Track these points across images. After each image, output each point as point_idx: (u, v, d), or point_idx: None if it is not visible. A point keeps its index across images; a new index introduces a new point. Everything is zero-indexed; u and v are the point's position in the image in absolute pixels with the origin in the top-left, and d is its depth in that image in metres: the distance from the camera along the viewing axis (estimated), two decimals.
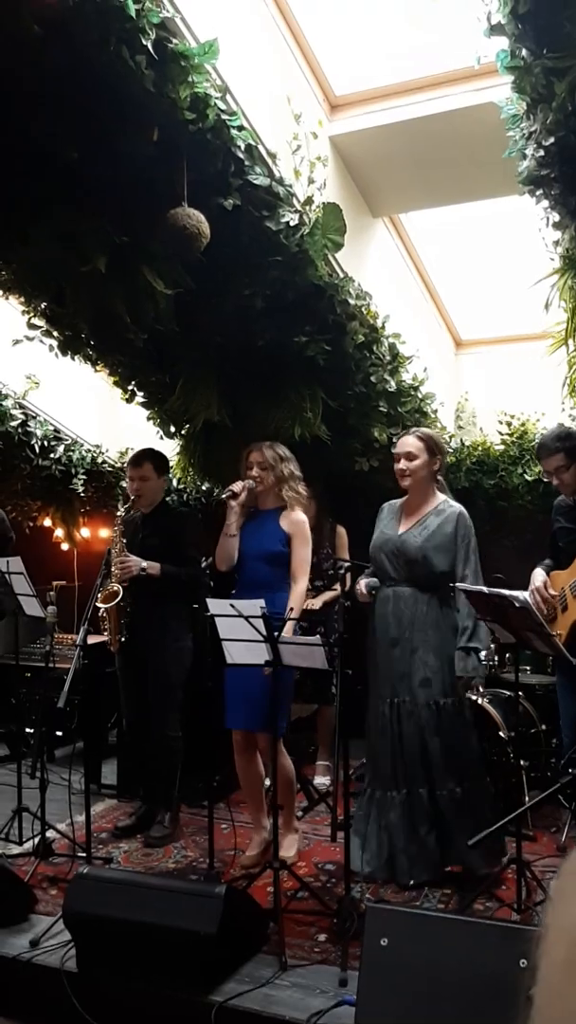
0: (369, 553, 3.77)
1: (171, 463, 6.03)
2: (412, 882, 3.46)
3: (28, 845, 3.93)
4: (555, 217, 3.81)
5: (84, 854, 3.67)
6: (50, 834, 3.84)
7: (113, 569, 3.98)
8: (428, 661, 3.53)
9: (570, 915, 0.60)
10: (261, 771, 3.90)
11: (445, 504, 3.71)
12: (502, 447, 5.53)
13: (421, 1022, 2.43)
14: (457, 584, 3.46)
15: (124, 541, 4.04)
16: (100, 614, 3.96)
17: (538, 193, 3.71)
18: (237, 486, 3.80)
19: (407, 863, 3.48)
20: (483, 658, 3.64)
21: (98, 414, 6.54)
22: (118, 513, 4.11)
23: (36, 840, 3.82)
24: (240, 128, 3.70)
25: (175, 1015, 2.75)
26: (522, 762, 4.07)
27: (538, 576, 3.87)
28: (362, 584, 3.70)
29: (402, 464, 3.67)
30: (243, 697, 3.66)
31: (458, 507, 3.69)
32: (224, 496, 3.79)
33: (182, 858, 3.96)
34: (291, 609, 3.64)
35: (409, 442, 3.69)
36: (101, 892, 2.96)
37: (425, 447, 3.66)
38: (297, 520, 3.85)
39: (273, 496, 3.89)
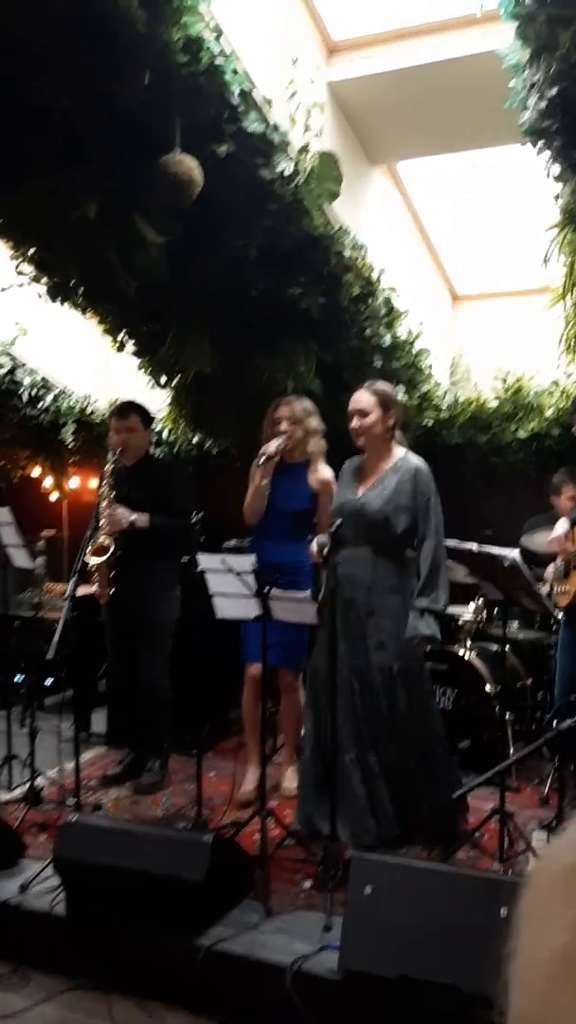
0: (332, 515, 3.62)
1: (162, 414, 6.01)
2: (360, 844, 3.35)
3: (17, 792, 3.98)
4: (556, 170, 3.75)
5: (73, 801, 3.71)
6: (39, 781, 3.88)
7: (102, 521, 3.97)
8: (384, 625, 3.41)
9: (544, 944, 0.54)
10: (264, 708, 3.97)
11: (402, 460, 3.53)
12: (496, 403, 5.51)
13: (402, 967, 2.49)
14: (447, 541, 3.44)
15: (113, 494, 4.01)
16: (90, 567, 3.95)
17: (539, 144, 3.64)
18: (271, 447, 3.85)
19: (363, 825, 3.39)
20: (435, 627, 3.44)
21: (88, 363, 6.47)
22: (106, 467, 4.07)
23: (26, 787, 3.87)
24: (235, 72, 3.61)
25: (163, 958, 2.81)
26: (507, 715, 4.13)
27: (560, 526, 3.84)
28: (314, 543, 3.52)
29: (355, 423, 3.50)
30: (269, 634, 3.71)
31: (415, 462, 3.52)
32: (262, 461, 3.84)
33: (170, 806, 4.02)
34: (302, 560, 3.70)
35: (362, 399, 3.51)
36: (90, 839, 3.01)
37: (378, 402, 3.49)
38: (324, 479, 3.92)
39: (299, 449, 3.97)
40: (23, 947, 2.98)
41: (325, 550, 3.27)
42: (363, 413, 3.49)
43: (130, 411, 4.23)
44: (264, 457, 3.84)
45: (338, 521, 3.33)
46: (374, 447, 3.55)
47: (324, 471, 3.93)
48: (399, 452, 3.58)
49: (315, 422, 3.98)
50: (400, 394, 5.03)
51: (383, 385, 3.62)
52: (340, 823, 3.28)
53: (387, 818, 3.39)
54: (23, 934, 3.01)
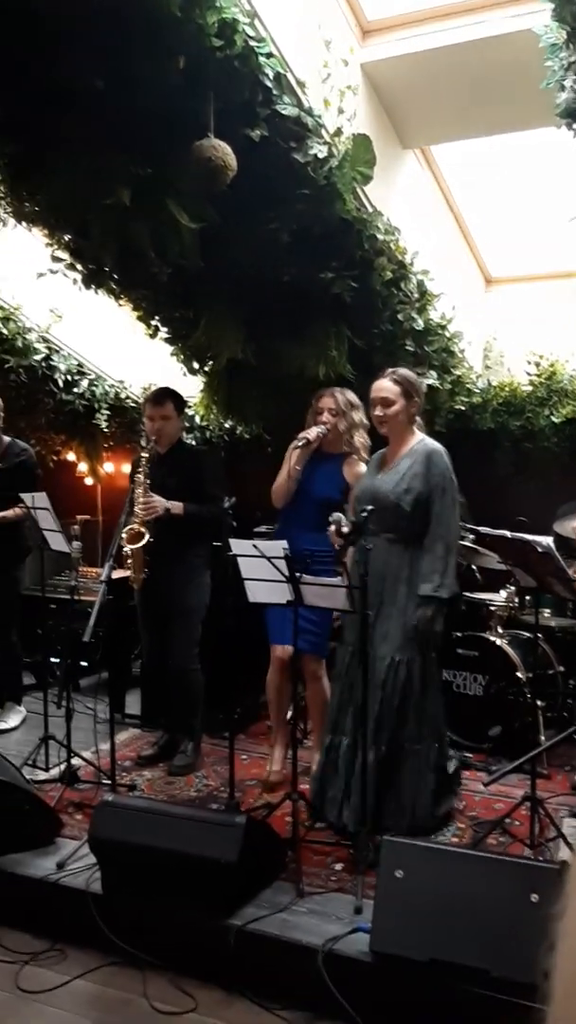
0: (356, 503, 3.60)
1: (194, 400, 6.04)
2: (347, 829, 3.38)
3: (54, 772, 4.05)
4: None
5: (108, 781, 3.77)
6: (75, 761, 3.94)
7: (137, 509, 4.00)
8: (391, 615, 3.39)
9: None
10: (290, 693, 3.98)
11: (419, 444, 3.50)
12: (530, 388, 5.46)
13: (433, 951, 2.51)
14: (480, 528, 3.43)
15: (148, 482, 4.04)
16: (125, 553, 4.00)
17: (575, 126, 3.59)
18: (312, 433, 3.85)
19: (352, 814, 3.38)
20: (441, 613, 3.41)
21: (122, 349, 6.51)
22: (142, 454, 4.10)
23: (62, 767, 3.94)
24: (268, 55, 3.60)
25: (196, 937, 2.86)
26: (539, 702, 4.13)
27: None
28: (331, 529, 3.41)
29: (378, 411, 3.47)
30: (291, 616, 3.73)
31: (431, 444, 3.48)
32: (300, 444, 3.83)
33: (203, 787, 4.07)
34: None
35: (385, 386, 3.48)
36: (125, 819, 3.06)
37: (402, 391, 3.46)
38: (359, 473, 3.90)
39: (339, 442, 3.94)
40: (60, 923, 3.05)
41: (343, 528, 3.23)
42: (387, 402, 3.47)
43: (166, 398, 4.25)
44: (304, 441, 3.83)
45: (369, 507, 3.30)
46: (396, 435, 3.55)
47: (360, 467, 3.92)
48: (417, 436, 3.55)
49: (358, 416, 3.95)
50: (432, 379, 5.01)
51: (406, 372, 3.59)
52: (345, 808, 3.37)
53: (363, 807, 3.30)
54: (60, 911, 3.08)
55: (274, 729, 4.16)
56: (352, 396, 3.99)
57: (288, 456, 3.91)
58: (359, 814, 3.25)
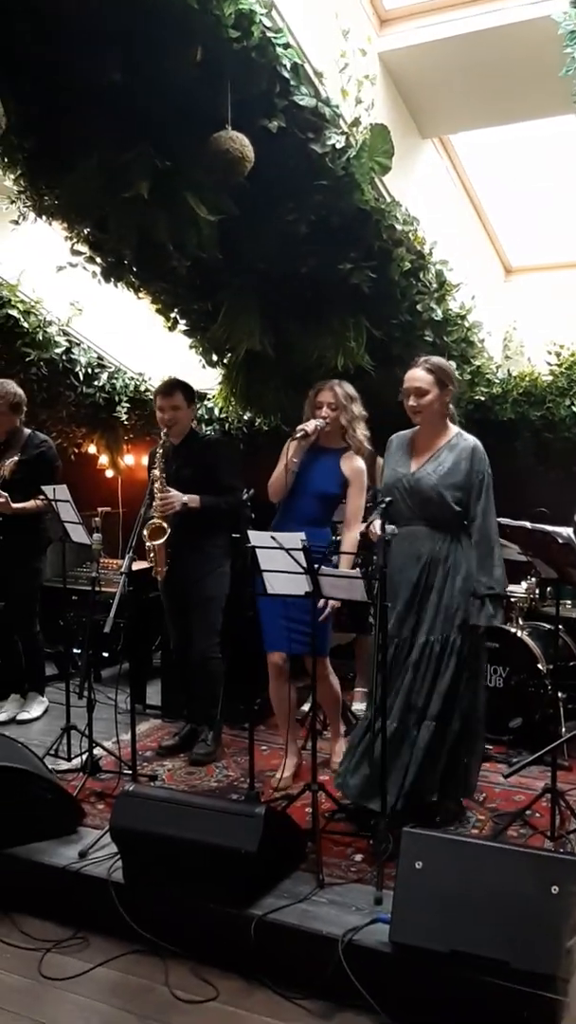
0: (381, 491, 3.62)
1: (213, 392, 6.04)
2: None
3: (76, 761, 4.08)
4: None
5: (130, 771, 3.81)
6: (97, 751, 3.98)
7: (155, 503, 4.02)
8: (444, 601, 3.41)
9: None
10: (294, 696, 3.99)
11: (458, 437, 3.51)
12: (550, 378, 5.42)
13: (453, 942, 2.52)
14: (500, 519, 3.42)
15: (163, 477, 4.06)
16: (147, 546, 4.02)
17: None
18: (310, 426, 3.82)
19: (406, 791, 3.41)
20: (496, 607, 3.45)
21: (142, 342, 6.53)
22: (157, 447, 4.12)
23: (84, 757, 3.97)
24: (286, 46, 3.58)
25: (217, 926, 2.88)
26: (560, 694, 4.11)
27: None
28: (376, 525, 3.39)
29: (412, 401, 3.45)
30: (285, 621, 3.74)
31: (472, 440, 3.50)
32: (298, 436, 3.80)
33: (224, 777, 4.09)
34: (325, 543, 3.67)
35: (418, 376, 3.46)
36: (146, 808, 3.08)
37: (435, 380, 3.45)
38: (357, 467, 3.90)
39: (337, 436, 3.92)
40: (82, 912, 3.08)
41: (380, 527, 3.23)
42: (420, 392, 3.45)
43: (175, 389, 4.26)
44: (301, 434, 3.79)
45: (387, 499, 3.33)
46: (429, 424, 3.53)
47: (358, 462, 3.90)
48: (453, 429, 3.56)
49: (357, 409, 3.92)
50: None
51: (439, 361, 3.56)
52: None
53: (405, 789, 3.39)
54: (82, 899, 3.11)
55: (283, 737, 4.11)
56: (351, 389, 3.95)
57: (285, 449, 3.87)
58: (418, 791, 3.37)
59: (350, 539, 3.84)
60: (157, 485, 4.03)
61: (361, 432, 3.93)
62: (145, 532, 3.96)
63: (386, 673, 3.27)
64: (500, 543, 3.47)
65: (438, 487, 3.41)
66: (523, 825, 3.47)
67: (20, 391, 4.76)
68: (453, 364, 3.64)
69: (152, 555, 4.06)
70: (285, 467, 3.84)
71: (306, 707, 4.32)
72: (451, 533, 3.46)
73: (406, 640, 3.44)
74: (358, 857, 3.28)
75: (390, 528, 3.29)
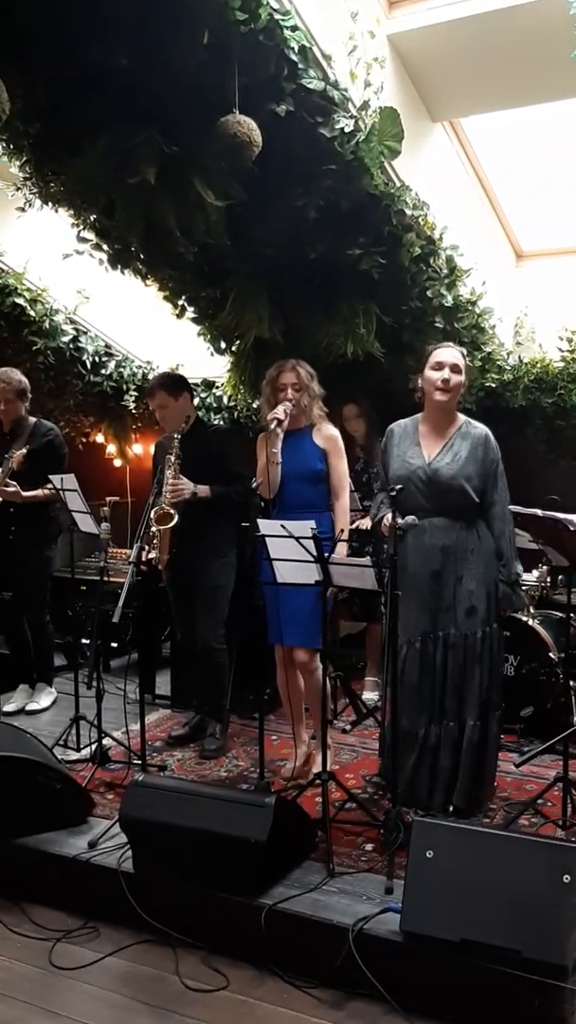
0: (391, 481, 3.49)
1: (222, 380, 6.01)
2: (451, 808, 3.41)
3: (85, 752, 4.08)
4: None
5: (139, 761, 3.80)
6: (106, 742, 3.97)
7: (165, 491, 4.00)
8: (473, 589, 3.37)
9: None
10: (301, 687, 3.96)
11: (468, 425, 3.47)
12: (562, 364, 5.37)
13: (464, 931, 2.50)
14: (512, 507, 3.38)
15: (179, 464, 4.03)
16: (153, 533, 3.99)
17: None
18: (281, 413, 3.72)
19: (466, 794, 3.42)
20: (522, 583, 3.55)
21: (150, 330, 6.50)
22: (174, 435, 4.09)
23: (93, 747, 3.96)
24: (294, 28, 3.54)
25: (227, 916, 2.87)
26: (571, 683, 4.09)
27: None
28: (388, 518, 3.33)
29: (447, 374, 3.38)
30: (285, 614, 3.72)
31: (483, 428, 3.47)
32: (272, 426, 3.73)
33: (233, 767, 4.08)
34: (342, 531, 3.65)
35: (455, 354, 3.43)
36: (156, 799, 3.07)
37: (466, 365, 3.48)
38: (330, 435, 3.85)
39: (304, 415, 3.84)
40: (93, 902, 3.08)
41: (397, 522, 3.19)
42: (457, 369, 3.41)
43: (155, 389, 4.25)
44: (275, 422, 3.69)
45: (398, 487, 3.27)
46: (448, 409, 3.47)
47: (329, 428, 3.86)
48: (461, 417, 3.52)
49: (317, 386, 3.86)
50: None
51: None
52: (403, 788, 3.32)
53: (439, 787, 3.40)
54: (93, 889, 3.10)
55: (293, 727, 4.07)
56: (308, 367, 3.88)
57: (260, 445, 3.77)
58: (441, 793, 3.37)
59: (341, 507, 3.81)
60: (170, 472, 4.00)
61: (317, 411, 3.86)
62: (152, 517, 3.94)
63: (396, 663, 3.25)
64: (515, 532, 3.46)
65: (458, 477, 3.36)
66: (534, 814, 3.45)
67: (24, 378, 4.74)
68: (463, 351, 3.58)
69: (156, 540, 4.02)
70: (268, 460, 3.77)
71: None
72: (469, 522, 3.43)
73: (436, 636, 3.40)
74: (368, 846, 3.26)
75: (410, 519, 3.26)
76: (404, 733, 3.34)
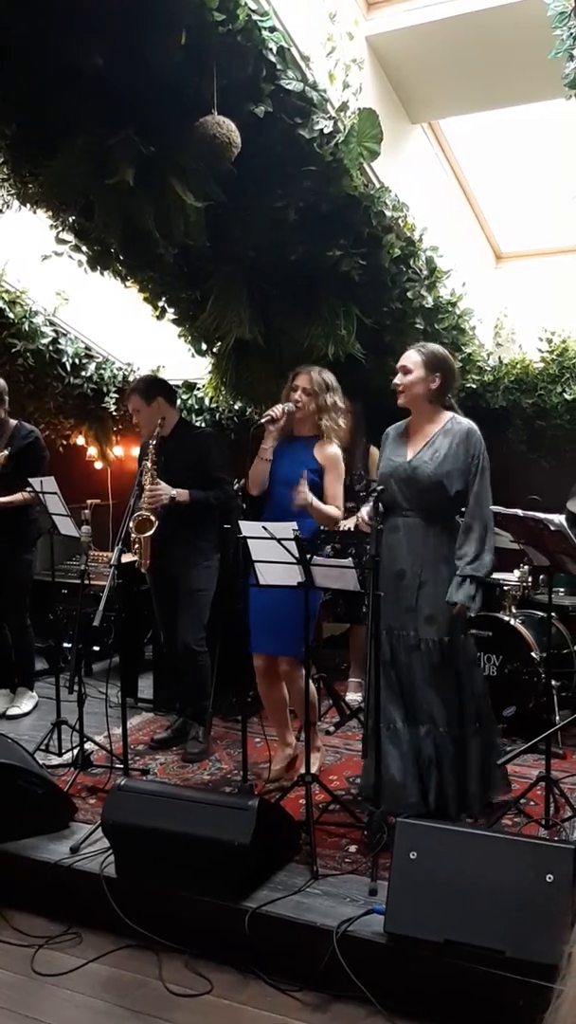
0: (379, 481, 3.52)
1: (203, 382, 5.99)
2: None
3: (67, 756, 4.06)
4: None
5: (122, 765, 3.78)
6: (88, 746, 3.95)
7: (144, 495, 3.98)
8: (436, 596, 3.33)
9: None
10: (284, 693, 3.95)
11: (452, 422, 3.45)
12: (541, 365, 5.40)
13: (447, 932, 2.50)
14: (493, 507, 3.37)
15: (155, 470, 4.02)
16: (133, 539, 3.98)
17: None
18: (277, 410, 3.73)
19: (395, 797, 3.34)
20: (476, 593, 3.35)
21: (130, 332, 6.48)
22: (150, 440, 4.09)
23: (75, 752, 3.94)
24: (272, 29, 3.53)
25: (210, 919, 2.86)
26: (553, 682, 4.10)
27: None
28: (364, 512, 3.42)
29: (397, 379, 3.45)
30: (268, 623, 3.71)
31: (466, 424, 3.44)
32: (263, 420, 3.73)
33: (217, 770, 4.07)
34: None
35: (407, 355, 3.47)
36: (138, 803, 3.06)
37: (424, 363, 3.41)
38: (331, 454, 3.80)
39: (310, 424, 3.83)
40: (75, 907, 3.05)
41: (369, 515, 3.20)
42: (405, 370, 3.43)
43: (131, 394, 4.28)
44: (267, 418, 3.71)
45: (380, 487, 3.30)
46: (418, 409, 3.47)
47: (332, 447, 3.81)
48: (447, 415, 3.49)
49: (332, 398, 3.80)
50: None
51: (434, 347, 3.54)
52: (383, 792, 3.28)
53: (414, 791, 3.33)
54: (75, 895, 3.08)
55: (276, 732, 4.07)
56: (329, 377, 3.84)
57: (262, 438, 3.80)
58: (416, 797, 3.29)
59: (329, 511, 3.75)
60: (147, 477, 3.99)
61: (336, 422, 3.82)
62: (132, 524, 3.93)
63: (379, 664, 3.24)
64: (494, 530, 3.43)
65: (436, 476, 3.34)
66: (518, 814, 3.46)
67: (2, 381, 4.71)
68: (448, 355, 3.57)
69: (138, 547, 4.02)
70: (258, 455, 3.77)
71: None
72: (447, 526, 3.40)
73: (399, 634, 3.38)
74: (352, 848, 3.26)
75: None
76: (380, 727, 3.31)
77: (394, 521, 3.40)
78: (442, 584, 3.33)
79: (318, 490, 3.76)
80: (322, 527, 3.70)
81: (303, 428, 3.85)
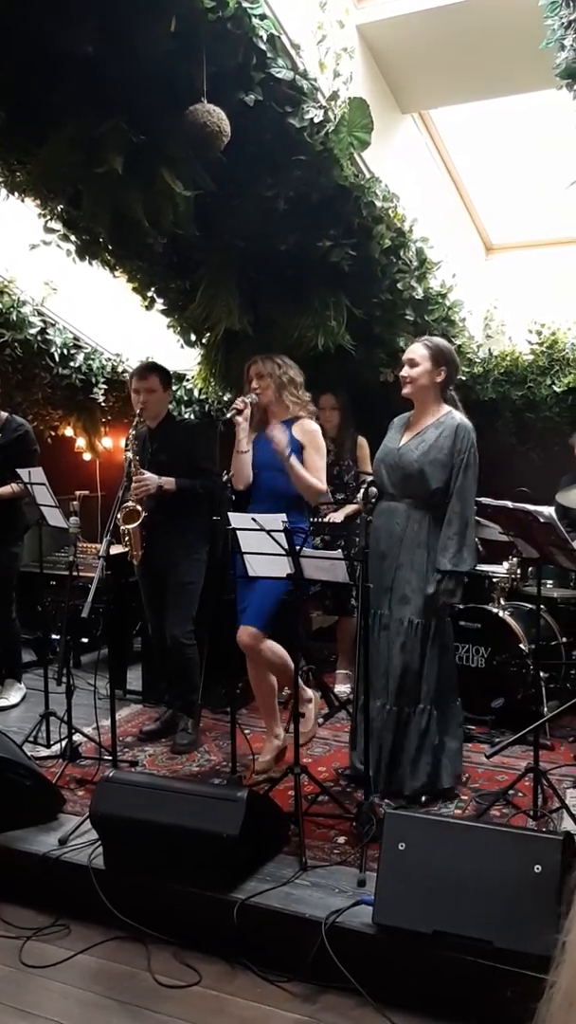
0: (372, 466, 3.69)
1: (192, 373, 5.97)
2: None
3: (56, 748, 4.04)
4: None
5: (110, 757, 3.77)
6: (77, 738, 3.94)
7: (132, 486, 3.97)
8: (410, 579, 3.47)
9: None
10: (273, 681, 3.95)
11: (447, 416, 3.55)
12: (531, 357, 5.40)
13: (436, 922, 2.51)
14: (482, 499, 3.40)
15: (138, 459, 4.01)
16: (122, 530, 3.97)
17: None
18: (240, 403, 3.77)
19: (387, 774, 3.52)
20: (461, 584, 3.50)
21: (119, 322, 6.44)
22: (131, 431, 4.07)
23: (63, 743, 3.93)
24: (262, 17, 3.50)
25: (199, 911, 2.86)
26: (542, 673, 4.11)
27: None
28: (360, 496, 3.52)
29: (404, 371, 3.58)
30: (247, 598, 3.73)
31: (459, 419, 3.53)
32: (229, 415, 3.77)
33: (205, 762, 4.06)
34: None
35: (413, 348, 3.60)
36: (127, 794, 3.05)
37: (430, 355, 3.54)
38: (309, 429, 3.84)
39: (279, 406, 3.87)
40: (63, 899, 3.04)
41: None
42: (412, 363, 3.55)
43: (150, 371, 4.20)
44: (233, 412, 3.75)
45: (369, 478, 3.36)
46: (421, 401, 3.59)
47: (309, 423, 3.84)
48: (444, 408, 3.60)
49: (288, 374, 3.84)
50: None
51: (440, 341, 3.67)
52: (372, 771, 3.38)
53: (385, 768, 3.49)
54: (63, 886, 3.07)
55: (264, 720, 4.07)
56: (280, 358, 3.88)
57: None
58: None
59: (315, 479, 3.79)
60: (132, 468, 3.98)
61: (299, 395, 3.85)
62: (120, 515, 3.91)
63: (368, 655, 3.26)
64: (474, 526, 3.50)
65: (419, 463, 3.46)
66: (506, 805, 3.47)
67: None
68: (452, 349, 3.66)
69: (127, 539, 4.01)
70: (235, 452, 3.80)
71: (286, 691, 4.29)
72: (431, 514, 3.50)
73: (376, 613, 3.51)
74: (341, 839, 3.26)
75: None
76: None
77: (381, 506, 3.57)
78: (418, 568, 3.46)
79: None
80: (316, 514, 3.73)
81: (276, 413, 3.89)
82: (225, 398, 6.35)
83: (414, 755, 3.49)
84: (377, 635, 3.50)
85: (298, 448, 3.79)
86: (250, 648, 3.74)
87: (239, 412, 3.75)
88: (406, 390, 3.57)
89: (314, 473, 3.79)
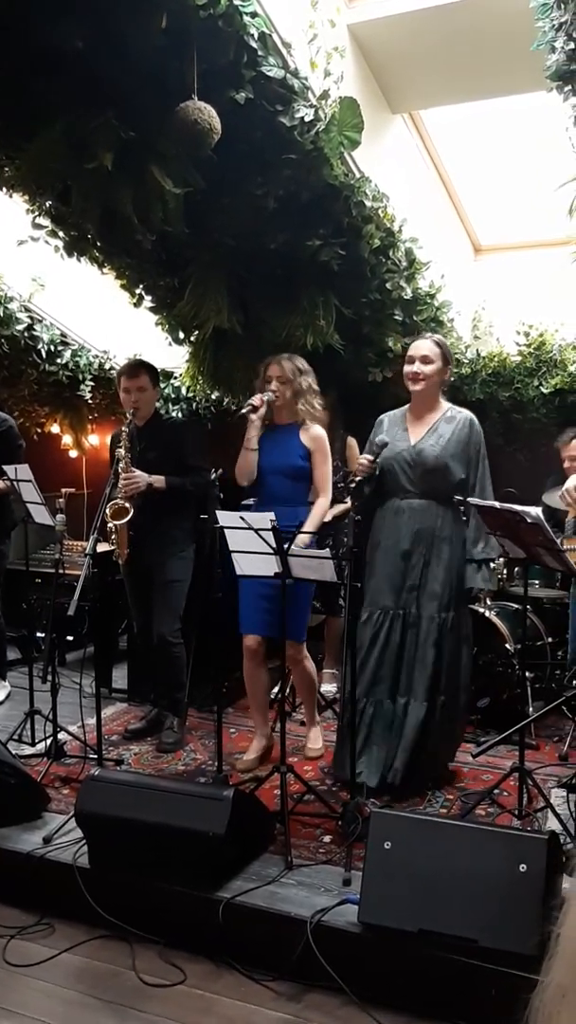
0: (381, 466, 3.63)
1: (180, 371, 5.96)
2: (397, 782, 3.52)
3: (40, 746, 4.02)
4: None
5: (95, 756, 3.75)
6: (62, 736, 3.92)
7: (120, 483, 3.95)
8: (439, 576, 3.53)
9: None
10: (267, 678, 3.96)
11: (453, 410, 3.67)
12: (519, 358, 5.41)
13: (421, 921, 2.51)
14: (468, 499, 3.42)
15: (129, 457, 3.99)
16: (109, 527, 3.95)
17: (566, 89, 3.53)
18: (256, 400, 3.77)
19: (403, 769, 3.53)
20: (492, 567, 3.69)
21: (107, 319, 6.42)
22: (122, 428, 4.05)
23: (48, 742, 3.91)
24: (253, 15, 3.50)
25: (184, 910, 2.85)
26: (527, 673, 4.13)
27: (572, 481, 3.80)
28: (364, 458, 3.56)
29: (416, 367, 3.60)
30: (263, 604, 3.71)
31: (467, 412, 3.67)
32: (244, 411, 3.75)
33: (191, 761, 4.05)
34: (301, 523, 3.64)
35: (426, 346, 3.64)
36: (112, 793, 3.04)
37: (441, 353, 3.63)
38: (318, 436, 3.86)
39: (289, 411, 3.87)
40: (47, 898, 3.03)
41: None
42: (427, 360, 3.60)
43: (140, 369, 4.18)
44: (248, 408, 3.75)
45: (358, 479, 3.40)
46: (427, 396, 3.64)
47: (317, 429, 3.86)
48: (446, 404, 3.69)
49: (306, 382, 3.86)
50: None
51: (443, 339, 3.78)
52: (367, 768, 3.45)
53: (417, 762, 3.53)
54: (47, 885, 3.06)
55: (254, 719, 4.09)
56: (301, 362, 3.89)
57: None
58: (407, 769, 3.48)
59: (320, 506, 3.83)
60: (122, 465, 3.96)
61: (314, 404, 3.88)
62: (108, 512, 3.90)
63: (355, 652, 3.27)
64: None
65: (442, 457, 3.53)
66: (491, 804, 3.48)
67: None
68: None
69: (114, 536, 4.00)
70: (243, 448, 3.80)
71: (276, 689, 4.29)
72: (449, 506, 3.58)
73: (396, 614, 3.55)
74: (327, 838, 3.26)
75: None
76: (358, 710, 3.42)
77: (397, 504, 3.60)
78: (444, 563, 3.54)
79: (308, 475, 3.86)
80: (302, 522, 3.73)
81: (283, 416, 3.89)
82: (213, 396, 6.34)
83: (440, 743, 3.60)
84: (399, 635, 3.54)
85: (305, 453, 3.83)
86: (297, 663, 3.88)
87: (255, 409, 3.75)
88: (417, 387, 3.60)
89: (322, 480, 3.85)
